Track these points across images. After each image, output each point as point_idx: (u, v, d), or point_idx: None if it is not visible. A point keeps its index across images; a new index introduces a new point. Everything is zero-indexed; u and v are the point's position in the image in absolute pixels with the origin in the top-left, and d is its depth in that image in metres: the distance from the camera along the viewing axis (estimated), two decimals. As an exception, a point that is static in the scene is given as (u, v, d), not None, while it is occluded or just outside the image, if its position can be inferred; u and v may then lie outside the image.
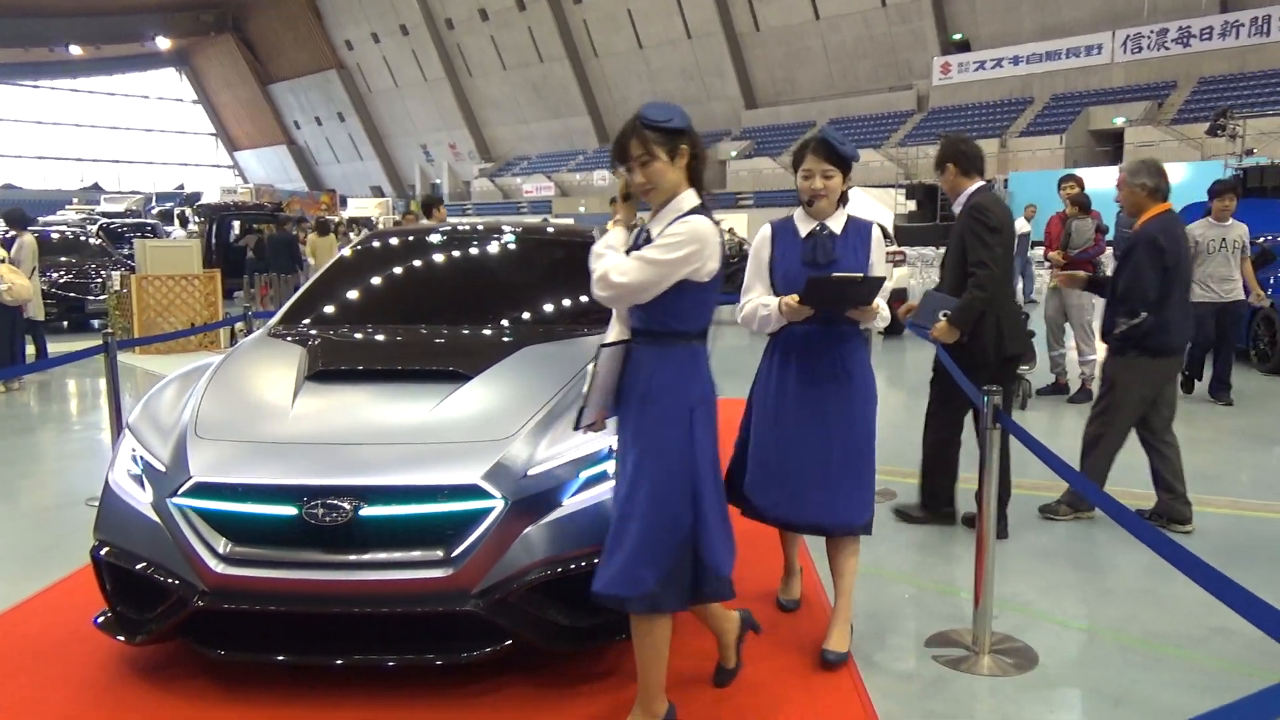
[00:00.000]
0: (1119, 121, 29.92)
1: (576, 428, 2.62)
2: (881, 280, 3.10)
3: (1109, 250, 9.32)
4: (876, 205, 18.94)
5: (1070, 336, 8.29)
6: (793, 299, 3.06)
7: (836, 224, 3.23)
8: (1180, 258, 4.49)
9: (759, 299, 3.21)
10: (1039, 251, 13.82)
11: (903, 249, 14.73)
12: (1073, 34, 32.37)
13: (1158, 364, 4.59)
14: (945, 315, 4.27)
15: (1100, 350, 8.36)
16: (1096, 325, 8.50)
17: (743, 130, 40.91)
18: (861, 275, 3.09)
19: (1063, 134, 30.41)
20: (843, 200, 3.25)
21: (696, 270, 2.52)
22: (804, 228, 3.24)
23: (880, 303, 3.15)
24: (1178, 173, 24.95)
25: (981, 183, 4.46)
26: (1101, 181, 22.71)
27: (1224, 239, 7.53)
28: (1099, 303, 8.17)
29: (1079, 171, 9.44)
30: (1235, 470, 6.05)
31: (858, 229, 3.24)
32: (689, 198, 2.60)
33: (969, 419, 4.63)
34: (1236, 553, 4.36)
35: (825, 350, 3.19)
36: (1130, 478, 5.05)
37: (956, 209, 4.48)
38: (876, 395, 3.28)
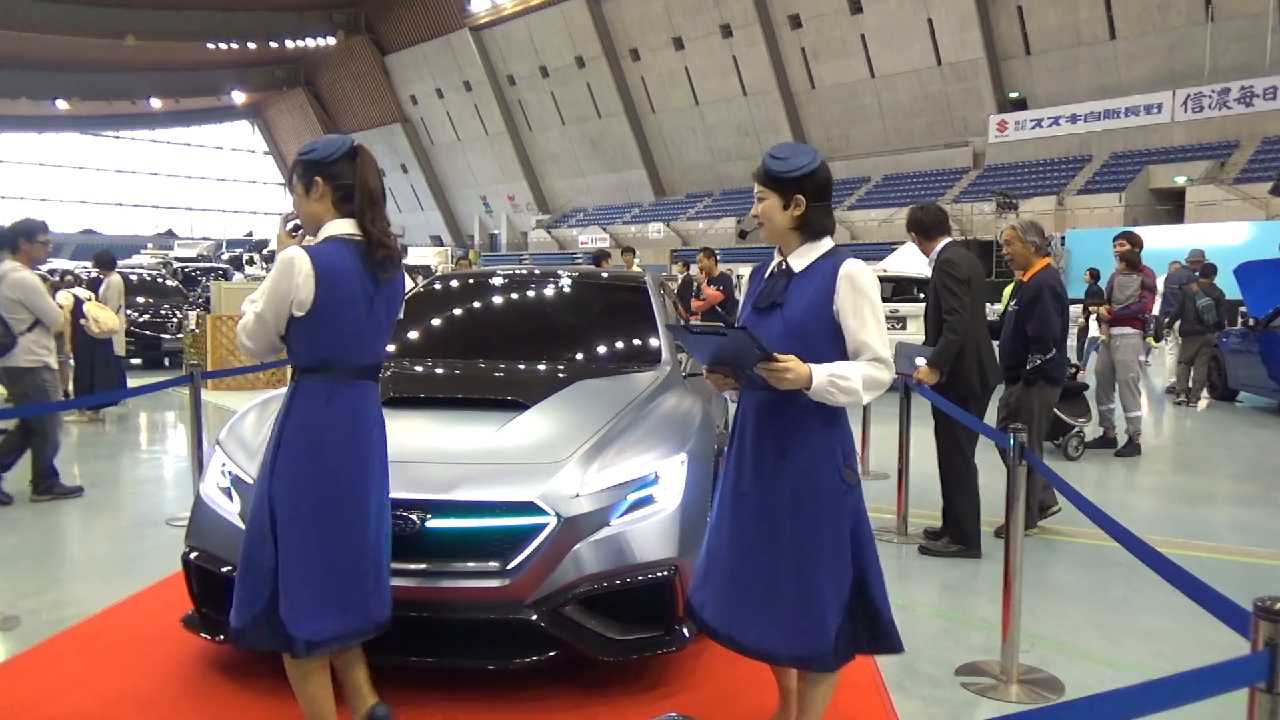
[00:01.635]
0: (1180, 180, 29.69)
1: None
2: (742, 332, 2.37)
3: (1155, 306, 9.34)
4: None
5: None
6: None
7: (800, 261, 2.57)
8: (1067, 304, 5.37)
9: None
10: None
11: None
12: (1131, 93, 32.34)
13: (1055, 391, 5.48)
14: (922, 360, 4.85)
15: (1145, 407, 8.43)
16: (1143, 384, 8.59)
17: (797, 185, 41.27)
18: (721, 325, 2.45)
19: (1122, 192, 30.24)
20: (810, 232, 2.57)
21: (294, 303, 2.52)
22: (771, 266, 2.69)
23: (828, 369, 2.41)
24: (1242, 232, 24.72)
25: (948, 240, 5.11)
26: (1163, 240, 22.60)
27: None
28: (1141, 357, 8.24)
29: (1140, 229, 9.52)
30: None
31: (823, 269, 2.53)
32: (330, 227, 2.61)
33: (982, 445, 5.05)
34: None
35: (769, 425, 2.54)
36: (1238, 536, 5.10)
37: (930, 266, 5.09)
38: (844, 492, 2.50)
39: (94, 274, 11.13)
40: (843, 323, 2.48)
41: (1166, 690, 1.42)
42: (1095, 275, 17.84)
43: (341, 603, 2.57)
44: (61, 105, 53.19)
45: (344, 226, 2.62)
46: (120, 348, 10.23)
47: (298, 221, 2.73)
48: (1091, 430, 8.24)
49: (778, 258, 2.65)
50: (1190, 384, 11.17)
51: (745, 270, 25.38)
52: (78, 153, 58.80)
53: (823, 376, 2.40)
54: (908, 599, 4.35)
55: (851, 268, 2.49)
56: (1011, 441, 3.33)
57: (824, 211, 2.57)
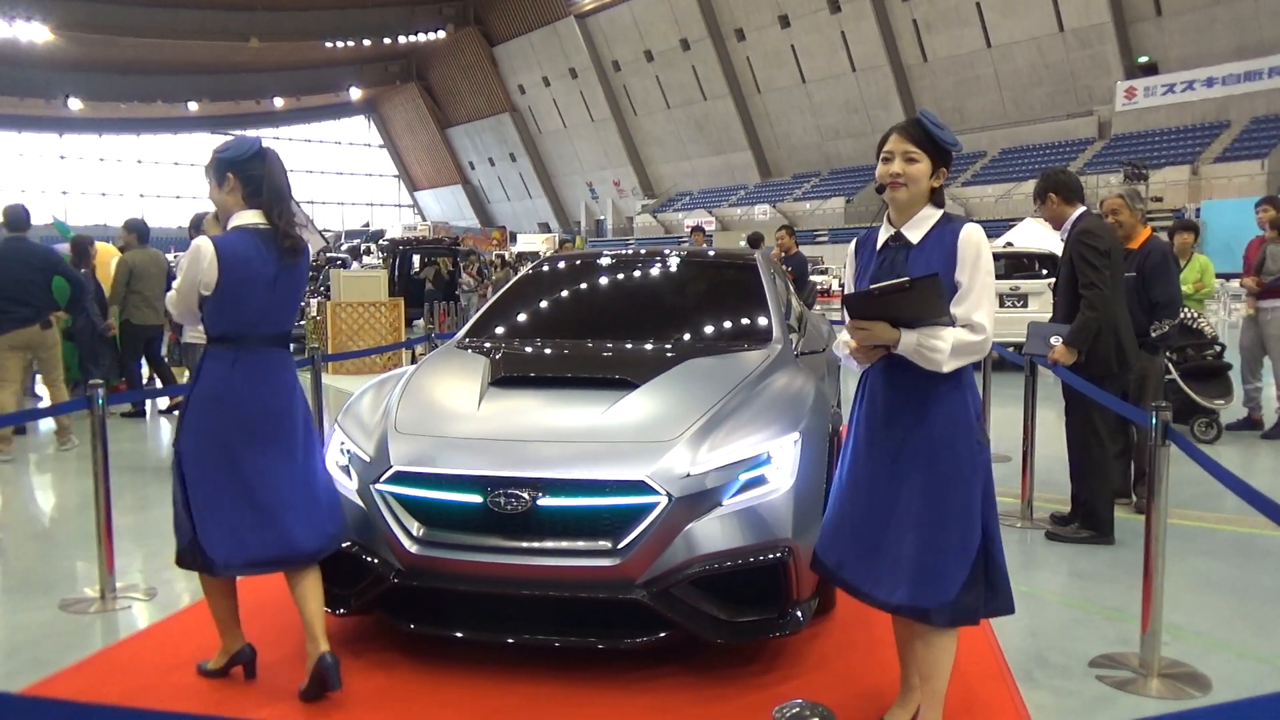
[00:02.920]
0: (1330, 145, 27.60)
1: None
2: (933, 279, 2.39)
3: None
4: (1051, 236, 18.20)
5: (1267, 370, 7.76)
6: (851, 339, 2.56)
7: (916, 231, 2.58)
8: None
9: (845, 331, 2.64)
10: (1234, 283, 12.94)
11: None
12: (1275, 53, 30.14)
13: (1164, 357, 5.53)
14: (1058, 339, 4.63)
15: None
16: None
17: (908, 162, 40.14)
18: (907, 280, 2.40)
19: (1264, 159, 28.29)
20: (935, 202, 2.60)
21: (200, 284, 2.97)
22: (882, 237, 2.67)
23: (919, 333, 2.43)
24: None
25: (1083, 209, 4.81)
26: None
27: None
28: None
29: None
30: None
31: (941, 236, 2.55)
32: (238, 218, 3.06)
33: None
34: None
35: (905, 385, 2.56)
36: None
37: (1062, 236, 4.82)
38: (978, 450, 2.54)
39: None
40: (958, 282, 2.52)
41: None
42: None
43: (251, 535, 2.98)
44: (193, 107, 56.03)
45: (250, 217, 3.05)
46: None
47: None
48: (1233, 411, 7.71)
49: (888, 229, 2.65)
50: None
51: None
52: (210, 152, 61.86)
53: (911, 339, 2.46)
54: (1035, 586, 4.15)
55: (972, 233, 2.55)
56: (1155, 420, 3.11)
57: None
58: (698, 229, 12.10)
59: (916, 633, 2.61)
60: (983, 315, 2.49)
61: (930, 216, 2.58)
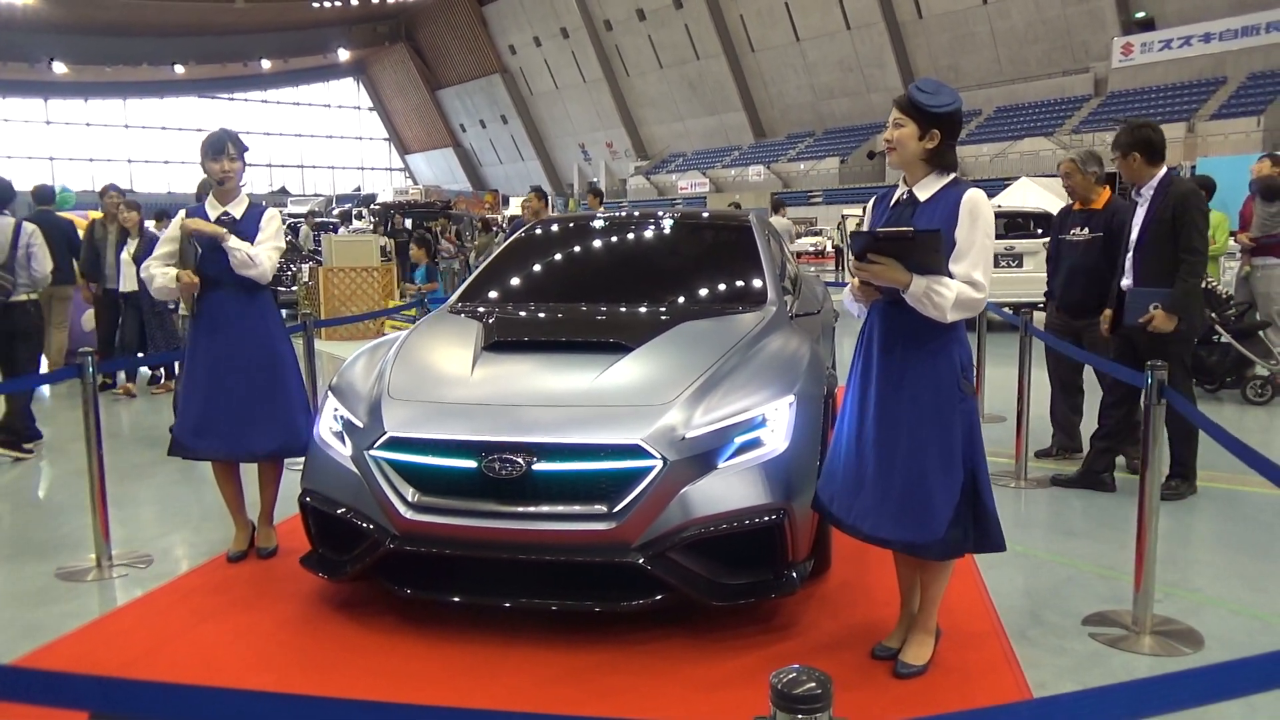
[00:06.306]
0: (1327, 101, 27.39)
1: None
2: (935, 234, 2.61)
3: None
4: (1046, 195, 18.11)
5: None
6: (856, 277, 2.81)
7: (925, 191, 2.81)
8: None
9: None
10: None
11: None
12: (1274, 7, 29.81)
13: None
14: (1156, 306, 4.40)
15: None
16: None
17: (903, 121, 39.82)
18: (910, 230, 2.66)
19: (1261, 115, 28.08)
20: (938, 166, 2.80)
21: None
22: (896, 195, 2.92)
23: (928, 279, 2.63)
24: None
25: (1169, 169, 4.57)
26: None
27: None
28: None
29: (1281, 155, 8.73)
30: None
31: (946, 197, 2.76)
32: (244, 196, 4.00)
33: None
34: None
35: (901, 331, 2.78)
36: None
37: (1147, 193, 4.49)
38: (960, 398, 2.74)
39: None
40: (956, 240, 2.70)
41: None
42: None
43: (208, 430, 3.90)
44: (179, 70, 55.21)
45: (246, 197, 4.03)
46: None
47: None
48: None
49: (902, 187, 2.89)
50: None
51: (847, 210, 24.69)
52: (197, 116, 60.93)
53: (921, 283, 2.63)
54: (1029, 545, 4.17)
55: (974, 196, 2.74)
56: (1151, 379, 3.10)
57: (952, 149, 2.81)
58: (592, 190, 10.08)
59: (917, 563, 2.89)
60: (980, 274, 2.69)
61: (941, 180, 2.80)
